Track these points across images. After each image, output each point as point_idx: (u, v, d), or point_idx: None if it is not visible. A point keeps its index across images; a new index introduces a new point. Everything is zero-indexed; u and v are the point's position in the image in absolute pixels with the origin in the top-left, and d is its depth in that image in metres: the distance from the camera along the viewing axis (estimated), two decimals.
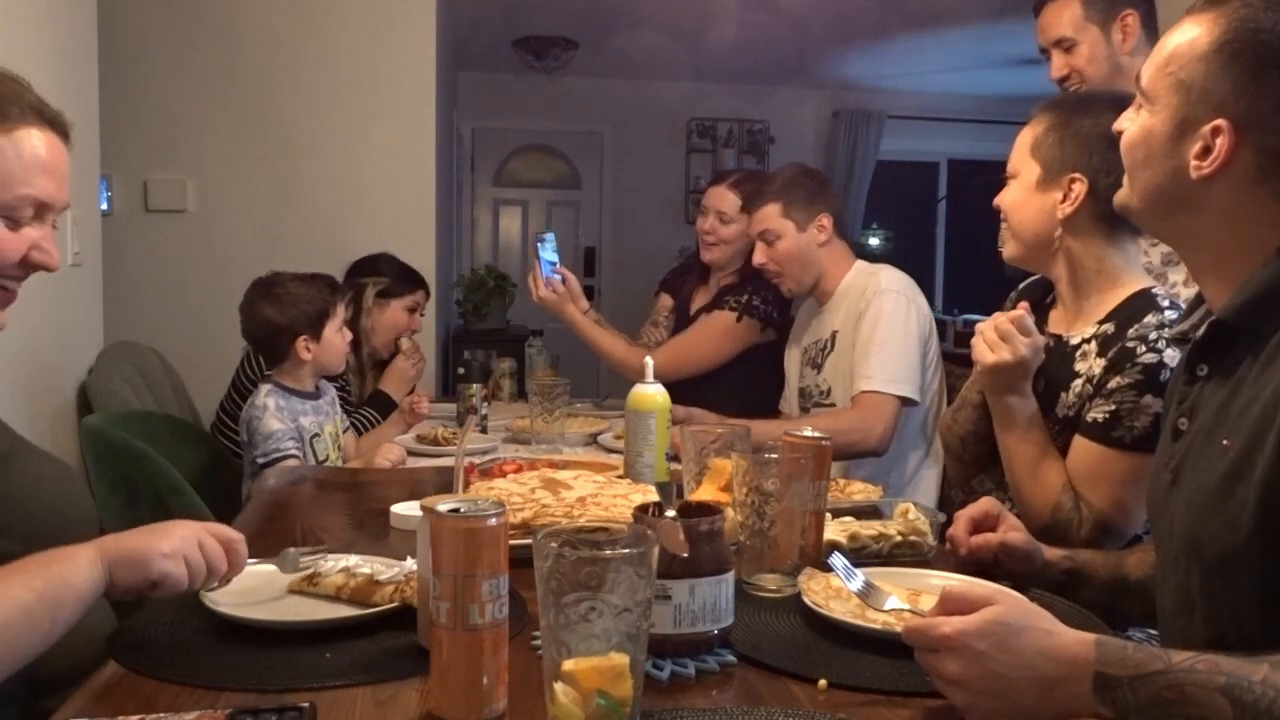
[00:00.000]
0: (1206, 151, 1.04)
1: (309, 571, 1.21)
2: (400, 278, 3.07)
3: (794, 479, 1.20)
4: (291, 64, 3.65)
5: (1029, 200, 1.60)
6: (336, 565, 1.19)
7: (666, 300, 3.36)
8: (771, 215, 2.50)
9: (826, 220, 2.49)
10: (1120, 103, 1.48)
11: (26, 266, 1.18)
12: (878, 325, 2.33)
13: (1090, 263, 1.57)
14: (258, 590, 1.18)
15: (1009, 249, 1.65)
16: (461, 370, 2.68)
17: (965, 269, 7.84)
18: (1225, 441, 1.00)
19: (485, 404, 2.74)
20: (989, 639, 0.87)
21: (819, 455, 1.30)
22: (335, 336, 2.37)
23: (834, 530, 1.37)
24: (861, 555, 1.35)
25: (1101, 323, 1.55)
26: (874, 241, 7.86)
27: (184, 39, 3.59)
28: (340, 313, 2.40)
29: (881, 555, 1.37)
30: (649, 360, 1.83)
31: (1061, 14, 2.14)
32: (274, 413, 2.25)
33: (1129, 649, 0.86)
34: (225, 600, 1.13)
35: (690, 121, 7.42)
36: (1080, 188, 1.54)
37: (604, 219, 7.52)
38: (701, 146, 7.48)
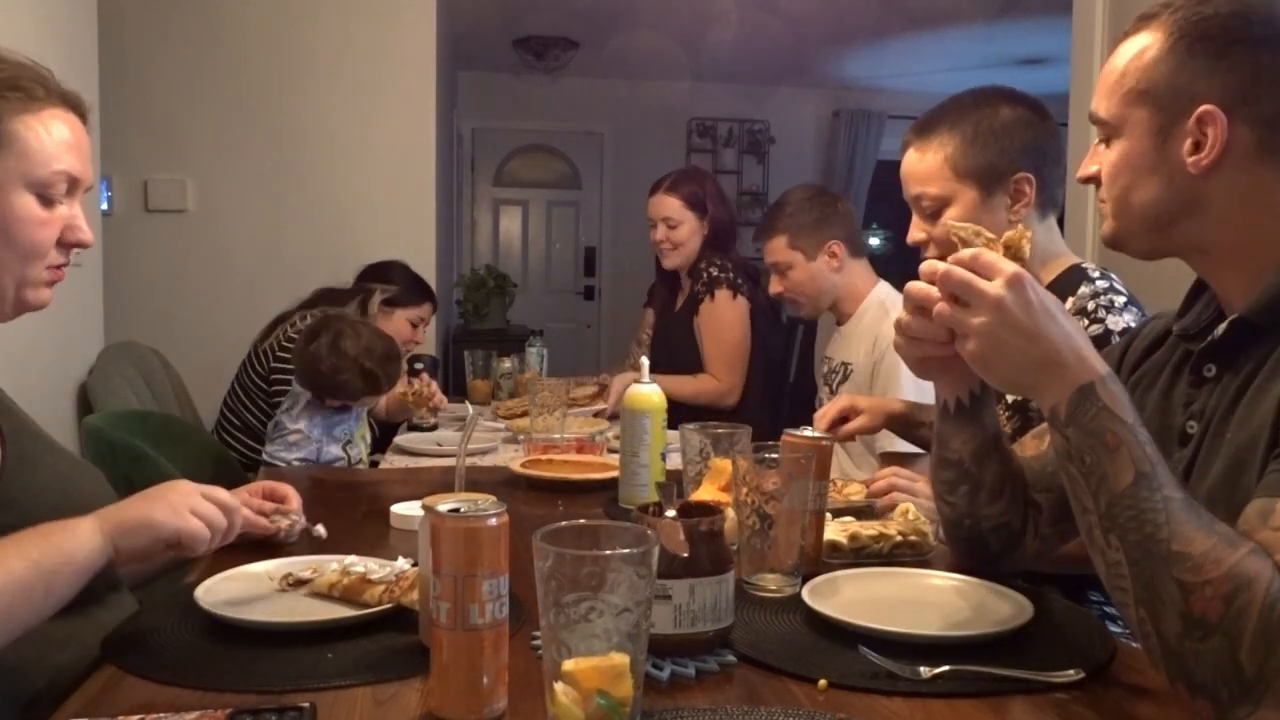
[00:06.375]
0: (1197, 146, 1.01)
1: (307, 572, 1.21)
2: (409, 288, 3.04)
3: (794, 479, 1.20)
4: (292, 64, 3.65)
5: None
6: (333, 564, 1.19)
7: (650, 316, 3.34)
8: (779, 247, 2.47)
9: (837, 247, 2.43)
10: None
11: (64, 247, 1.20)
12: (890, 382, 2.24)
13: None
14: (255, 590, 1.18)
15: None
16: (419, 365, 2.65)
17: None
18: (1229, 435, 0.99)
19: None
20: (1025, 301, 0.93)
21: (819, 455, 1.30)
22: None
23: (834, 530, 1.37)
24: (861, 555, 1.35)
25: None
26: (874, 241, 7.86)
27: (184, 39, 3.59)
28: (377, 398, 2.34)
29: (881, 555, 1.37)
30: (644, 360, 1.81)
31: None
32: (305, 424, 2.28)
33: (1123, 392, 0.93)
34: (223, 600, 1.13)
35: (690, 121, 7.42)
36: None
37: (604, 219, 7.52)
38: (701, 146, 7.48)
